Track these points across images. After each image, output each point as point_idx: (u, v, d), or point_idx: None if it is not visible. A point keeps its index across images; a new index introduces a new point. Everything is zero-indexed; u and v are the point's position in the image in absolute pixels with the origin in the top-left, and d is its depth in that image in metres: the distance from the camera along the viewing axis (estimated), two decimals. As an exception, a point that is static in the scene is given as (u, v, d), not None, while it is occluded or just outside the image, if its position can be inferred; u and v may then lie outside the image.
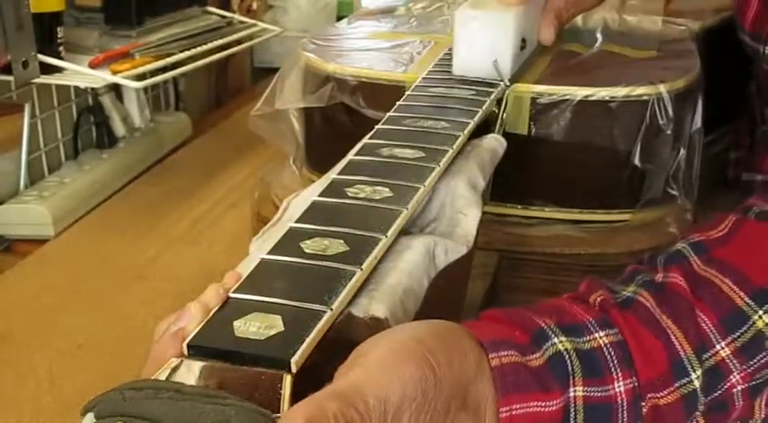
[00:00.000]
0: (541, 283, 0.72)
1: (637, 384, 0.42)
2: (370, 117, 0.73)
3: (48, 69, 0.94)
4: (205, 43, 1.10)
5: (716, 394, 0.44)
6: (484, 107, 0.64)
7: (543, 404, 0.40)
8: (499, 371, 0.40)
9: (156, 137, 1.20)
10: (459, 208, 0.52)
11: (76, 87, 1.07)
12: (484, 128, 0.63)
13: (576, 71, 0.75)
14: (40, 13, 0.91)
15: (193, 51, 1.07)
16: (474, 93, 0.67)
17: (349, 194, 0.49)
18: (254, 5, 1.50)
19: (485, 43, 0.68)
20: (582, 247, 0.71)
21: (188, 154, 1.21)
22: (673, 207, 0.75)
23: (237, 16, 1.27)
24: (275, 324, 0.37)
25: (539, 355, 0.42)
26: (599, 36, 0.84)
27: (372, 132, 0.59)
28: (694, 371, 0.43)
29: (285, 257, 0.42)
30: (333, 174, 0.52)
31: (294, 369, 0.35)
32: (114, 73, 0.95)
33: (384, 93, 0.74)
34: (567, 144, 0.72)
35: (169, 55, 1.04)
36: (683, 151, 0.74)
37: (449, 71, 0.72)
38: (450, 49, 0.72)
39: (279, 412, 0.34)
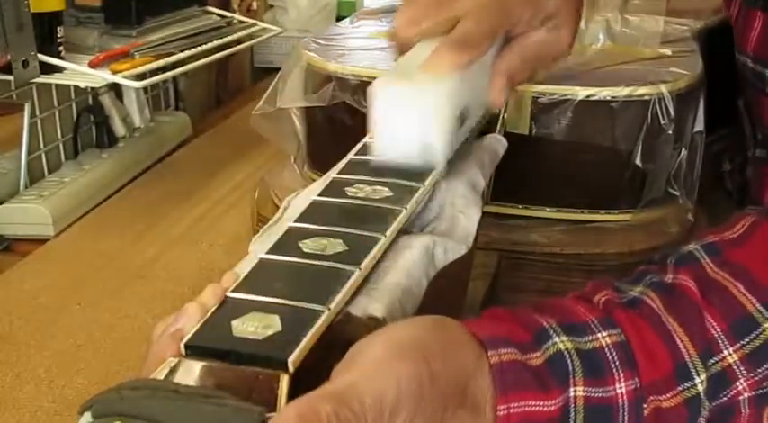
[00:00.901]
0: (541, 283, 0.71)
1: (639, 386, 0.42)
2: (370, 117, 0.73)
3: (48, 69, 0.93)
4: (205, 43, 1.10)
5: (721, 401, 0.43)
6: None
7: (542, 403, 0.40)
8: (498, 368, 0.40)
9: (156, 137, 1.20)
10: (460, 208, 0.52)
11: (76, 87, 1.07)
12: (485, 127, 0.63)
13: (578, 71, 0.75)
14: (40, 12, 0.91)
15: (193, 51, 1.07)
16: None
17: (348, 194, 0.49)
18: (254, 5, 1.50)
19: (411, 124, 0.52)
20: (582, 247, 0.71)
21: (188, 154, 1.21)
22: (674, 207, 0.74)
23: (237, 16, 1.27)
24: (273, 324, 0.37)
25: (539, 353, 0.42)
26: (600, 36, 0.84)
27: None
28: (698, 375, 0.43)
29: (283, 257, 0.42)
30: (333, 173, 0.52)
31: (291, 369, 0.35)
32: (114, 73, 0.95)
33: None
34: (568, 144, 0.72)
35: (169, 55, 1.04)
36: (684, 151, 0.74)
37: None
38: None
39: (276, 412, 0.34)
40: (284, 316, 0.37)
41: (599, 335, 0.43)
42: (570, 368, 0.41)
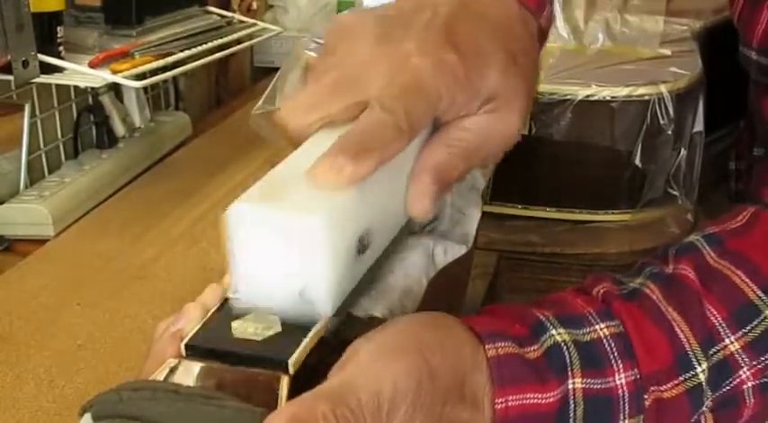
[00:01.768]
0: (541, 283, 0.72)
1: (638, 376, 0.42)
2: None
3: (48, 69, 0.93)
4: (205, 43, 1.10)
5: (724, 390, 0.43)
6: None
7: (540, 396, 0.40)
8: (495, 362, 0.40)
9: (156, 136, 1.20)
10: (460, 208, 0.52)
11: (76, 87, 1.07)
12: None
13: (578, 71, 0.75)
14: (40, 12, 0.91)
15: (193, 51, 1.07)
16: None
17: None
18: (254, 5, 1.49)
19: (280, 263, 0.37)
20: (582, 247, 0.71)
21: (188, 154, 1.21)
22: (673, 207, 0.74)
23: (237, 16, 1.27)
24: (273, 325, 0.36)
25: (537, 346, 0.42)
26: (600, 35, 0.84)
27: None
28: (700, 364, 0.42)
29: None
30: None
31: (291, 370, 0.35)
32: (114, 72, 0.95)
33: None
34: (567, 144, 0.72)
35: (169, 54, 1.04)
36: (683, 151, 0.74)
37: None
38: None
39: (276, 413, 0.34)
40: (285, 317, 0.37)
41: (597, 327, 0.43)
42: (568, 360, 0.41)
